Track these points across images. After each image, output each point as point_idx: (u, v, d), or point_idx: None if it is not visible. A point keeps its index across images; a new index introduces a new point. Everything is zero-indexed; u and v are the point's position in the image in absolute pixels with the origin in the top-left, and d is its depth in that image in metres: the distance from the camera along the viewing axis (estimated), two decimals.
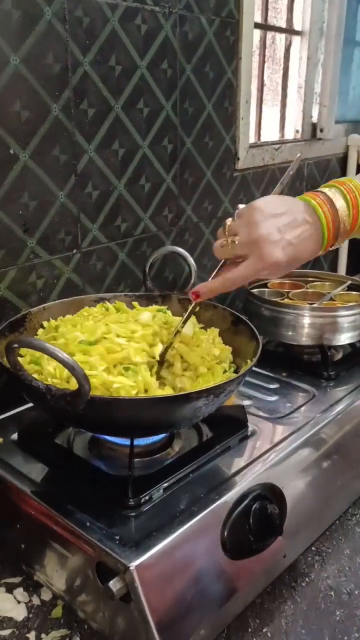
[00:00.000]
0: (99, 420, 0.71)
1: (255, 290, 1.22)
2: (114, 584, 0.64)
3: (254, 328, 0.87)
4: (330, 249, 0.74)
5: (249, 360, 0.83)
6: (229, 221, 0.72)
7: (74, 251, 1.03)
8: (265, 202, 0.69)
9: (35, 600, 0.79)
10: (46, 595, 0.79)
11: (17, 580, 0.82)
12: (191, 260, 0.99)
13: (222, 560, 0.72)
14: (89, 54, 0.97)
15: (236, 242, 0.69)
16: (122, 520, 0.70)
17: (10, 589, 0.81)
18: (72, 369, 0.62)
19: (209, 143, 1.28)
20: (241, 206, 0.72)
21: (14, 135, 0.89)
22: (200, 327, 0.93)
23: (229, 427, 0.88)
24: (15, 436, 0.87)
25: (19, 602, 0.79)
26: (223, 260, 0.74)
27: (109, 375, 0.73)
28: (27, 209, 0.94)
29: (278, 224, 0.68)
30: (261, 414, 0.95)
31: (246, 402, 0.98)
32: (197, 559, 0.70)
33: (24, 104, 0.89)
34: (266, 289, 1.26)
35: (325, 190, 0.72)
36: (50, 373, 0.73)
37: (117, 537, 0.67)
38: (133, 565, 0.63)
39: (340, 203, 0.71)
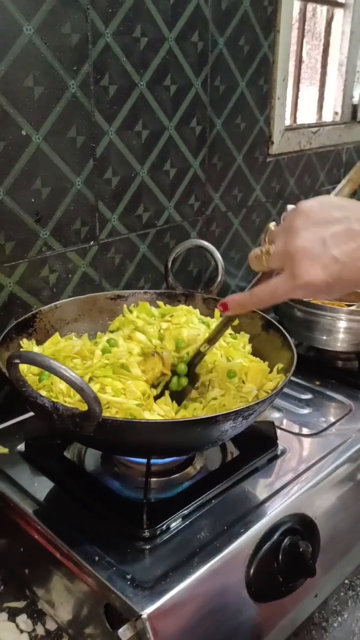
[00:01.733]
0: (112, 443, 0.63)
1: None
2: (124, 633, 0.56)
3: (287, 336, 0.78)
4: None
5: (282, 372, 0.74)
6: (272, 225, 0.59)
7: (91, 243, 0.94)
8: (317, 205, 0.55)
9: (40, 630, 0.72)
10: (51, 625, 0.72)
11: (21, 604, 0.75)
12: (218, 255, 0.89)
13: (246, 604, 0.64)
14: (111, 24, 0.87)
15: (271, 253, 0.57)
16: (135, 555, 0.62)
17: (13, 614, 0.74)
18: (81, 390, 0.54)
19: (240, 125, 1.17)
20: (290, 207, 0.60)
21: (26, 114, 0.80)
22: (229, 331, 0.84)
23: (257, 445, 0.79)
24: (22, 446, 0.80)
25: (21, 631, 0.72)
26: (260, 273, 0.63)
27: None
28: (40, 197, 0.85)
29: (324, 233, 0.53)
30: (292, 429, 0.86)
31: (275, 415, 0.89)
32: (219, 602, 0.62)
33: (37, 80, 0.80)
34: None
35: None
36: (60, 391, 0.65)
37: (129, 577, 0.60)
38: (146, 613, 0.56)
39: None
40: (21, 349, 0.75)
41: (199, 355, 0.74)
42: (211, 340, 0.72)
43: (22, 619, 0.73)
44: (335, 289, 0.55)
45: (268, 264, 0.58)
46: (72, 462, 0.77)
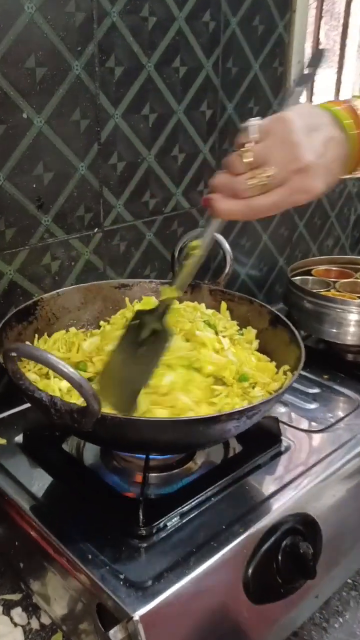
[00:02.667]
0: (111, 439, 0.62)
1: (297, 279, 1.09)
2: (115, 635, 0.54)
3: (295, 332, 0.75)
4: (352, 175, 0.59)
5: (288, 372, 0.72)
6: (248, 145, 0.53)
7: (95, 230, 0.92)
8: (298, 113, 0.53)
9: (34, 624, 0.71)
10: (46, 619, 0.71)
11: (16, 597, 0.75)
12: (226, 245, 0.86)
13: (243, 605, 0.62)
14: (118, 2, 0.84)
15: (269, 176, 0.52)
16: (129, 553, 0.61)
17: (8, 607, 0.73)
18: (80, 386, 0.52)
19: (253, 109, 1.13)
20: (255, 120, 0.53)
21: (28, 96, 0.78)
22: (236, 327, 0.81)
23: (260, 440, 0.77)
24: (20, 438, 0.78)
25: (15, 625, 0.71)
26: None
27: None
28: (42, 182, 0.83)
29: (316, 142, 0.52)
30: (298, 424, 0.83)
31: (281, 410, 0.86)
32: (215, 603, 0.61)
33: (39, 61, 0.77)
34: (310, 277, 1.13)
35: (350, 100, 0.58)
36: (60, 389, 0.63)
37: (122, 576, 0.58)
38: (138, 614, 0.54)
39: None
40: (25, 343, 0.73)
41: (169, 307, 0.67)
42: (182, 286, 0.65)
43: (17, 612, 0.73)
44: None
45: (266, 189, 0.53)
46: (70, 455, 0.76)
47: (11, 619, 0.71)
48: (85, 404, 0.53)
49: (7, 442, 0.78)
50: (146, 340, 0.65)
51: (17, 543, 0.71)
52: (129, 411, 0.60)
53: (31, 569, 0.70)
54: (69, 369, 0.52)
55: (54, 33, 0.78)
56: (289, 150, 0.52)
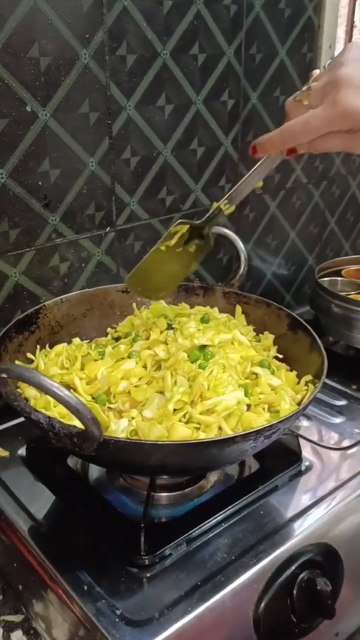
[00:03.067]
0: (115, 463, 0.57)
1: (325, 280, 1.02)
2: None
3: (316, 338, 0.69)
4: None
5: (310, 383, 0.65)
6: (317, 71, 0.55)
7: (107, 229, 0.87)
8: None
9: None
10: None
11: (17, 618, 0.70)
12: (240, 244, 0.80)
13: None
14: None
15: (312, 88, 0.52)
16: (128, 585, 0.56)
17: (9, 629, 0.69)
18: (77, 411, 0.47)
19: (279, 98, 1.06)
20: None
21: (32, 88, 0.73)
22: (252, 333, 0.75)
23: (278, 459, 0.71)
24: (23, 450, 0.74)
25: None
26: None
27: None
28: (48, 179, 0.78)
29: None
30: (321, 441, 0.77)
31: (303, 424, 0.80)
32: None
33: (44, 49, 0.72)
34: (339, 278, 1.06)
35: None
36: (59, 412, 0.58)
37: (119, 612, 0.53)
38: None
39: None
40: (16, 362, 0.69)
41: (217, 215, 0.70)
42: (233, 198, 0.68)
43: (17, 636, 0.69)
44: None
45: (310, 101, 0.53)
46: (74, 471, 0.71)
47: None
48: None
49: (10, 455, 0.74)
50: (187, 245, 0.71)
51: (15, 565, 0.67)
52: (157, 297, 0.74)
53: (29, 593, 0.66)
54: (64, 392, 0.47)
55: (59, 19, 0.73)
56: (335, 66, 0.51)
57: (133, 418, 0.61)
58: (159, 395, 0.62)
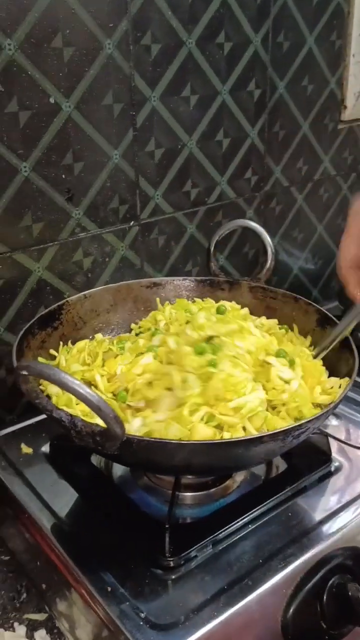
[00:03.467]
0: (138, 462, 0.56)
1: None
2: None
3: (348, 336, 0.66)
4: None
5: (341, 382, 0.63)
6: None
7: (131, 223, 0.86)
8: None
9: None
10: None
11: (41, 617, 0.70)
12: (267, 237, 0.78)
13: None
14: None
15: None
16: (153, 587, 0.55)
17: (32, 628, 0.69)
18: (98, 409, 0.46)
19: (307, 87, 1.03)
20: None
21: (55, 79, 0.72)
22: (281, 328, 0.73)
23: (307, 459, 0.69)
24: (47, 447, 0.73)
25: None
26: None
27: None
28: (72, 172, 0.77)
29: None
30: (352, 440, 0.74)
31: (333, 422, 0.78)
32: None
33: (67, 39, 0.71)
34: None
35: None
36: (82, 410, 0.57)
37: (143, 615, 0.52)
38: None
39: None
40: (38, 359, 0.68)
41: None
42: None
43: (41, 635, 0.68)
44: None
45: None
46: (98, 468, 0.70)
47: None
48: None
49: (33, 452, 0.73)
50: None
51: (38, 563, 0.66)
52: None
53: (53, 592, 0.65)
54: (85, 390, 0.46)
55: (82, 8, 0.71)
56: None
57: (146, 417, 0.59)
58: (169, 394, 0.60)
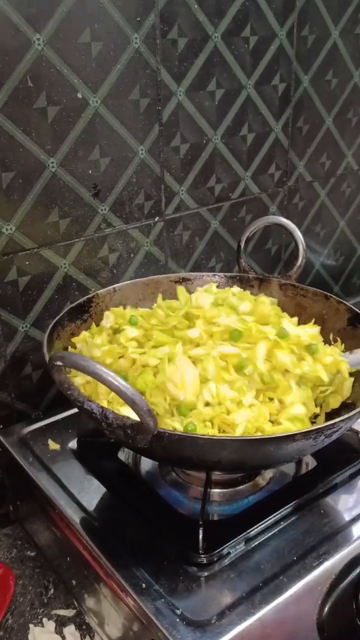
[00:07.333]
0: (169, 457, 0.55)
1: None
2: None
3: None
4: None
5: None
6: None
7: (156, 219, 0.85)
8: None
9: None
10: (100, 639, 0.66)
11: (69, 613, 0.70)
12: (299, 234, 0.77)
13: None
14: None
15: None
16: (187, 585, 0.54)
17: (61, 623, 0.69)
18: (132, 402, 0.46)
19: (332, 81, 1.02)
20: None
21: (82, 74, 0.71)
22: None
23: (337, 455, 0.68)
24: (74, 443, 0.73)
25: None
26: None
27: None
28: (98, 168, 0.76)
29: None
30: None
31: None
32: None
33: (95, 34, 0.71)
34: None
35: None
36: (115, 400, 0.57)
37: (179, 611, 0.52)
38: None
39: None
40: (74, 341, 0.68)
41: None
42: None
43: (70, 631, 0.68)
44: None
45: None
46: (126, 464, 0.70)
47: (63, 638, 0.67)
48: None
49: (61, 448, 0.73)
50: None
51: (68, 559, 0.66)
52: None
53: (83, 588, 0.65)
54: (120, 382, 0.46)
55: (110, 2, 0.71)
56: None
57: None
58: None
